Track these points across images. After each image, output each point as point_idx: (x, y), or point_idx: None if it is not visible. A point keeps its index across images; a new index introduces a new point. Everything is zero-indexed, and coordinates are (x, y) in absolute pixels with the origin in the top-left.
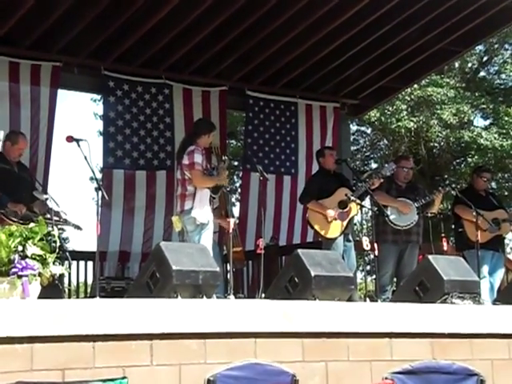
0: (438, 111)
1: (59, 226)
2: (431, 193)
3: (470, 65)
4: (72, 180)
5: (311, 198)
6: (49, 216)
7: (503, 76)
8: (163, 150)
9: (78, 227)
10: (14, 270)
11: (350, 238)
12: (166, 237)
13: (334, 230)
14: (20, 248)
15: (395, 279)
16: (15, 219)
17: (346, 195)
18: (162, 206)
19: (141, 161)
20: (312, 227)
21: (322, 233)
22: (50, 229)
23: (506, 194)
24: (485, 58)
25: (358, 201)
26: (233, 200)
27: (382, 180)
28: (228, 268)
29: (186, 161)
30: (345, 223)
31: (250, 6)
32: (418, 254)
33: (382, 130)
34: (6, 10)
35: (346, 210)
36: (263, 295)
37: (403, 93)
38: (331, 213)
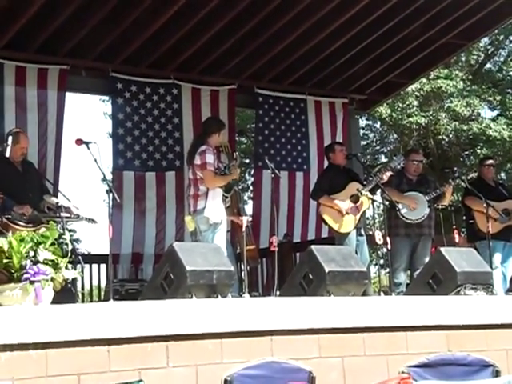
0: (450, 104)
1: (71, 225)
2: (442, 185)
3: (475, 57)
4: (83, 182)
5: (323, 193)
6: (60, 214)
7: (509, 68)
8: (172, 150)
9: (92, 220)
10: (26, 275)
11: (363, 232)
12: (179, 237)
13: (347, 224)
14: (31, 253)
15: (409, 272)
16: (22, 223)
17: (357, 189)
18: (172, 206)
19: (150, 162)
20: (325, 222)
21: (336, 227)
22: (61, 231)
23: None
24: (490, 51)
25: (370, 195)
26: (245, 198)
27: (391, 173)
28: (242, 267)
29: (197, 161)
30: (357, 217)
31: (256, 4)
32: (431, 246)
33: (392, 125)
34: (12, 14)
35: (357, 204)
36: (278, 293)
37: (413, 88)
38: (343, 205)
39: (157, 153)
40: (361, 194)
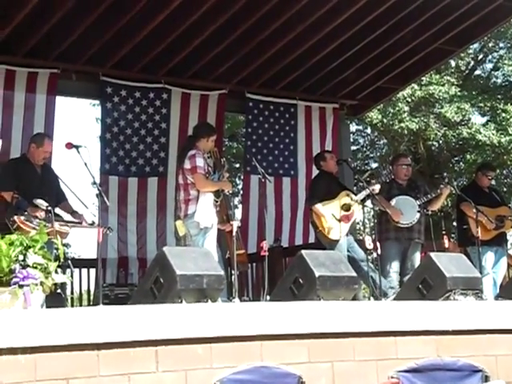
0: (441, 110)
1: (83, 228)
2: (432, 190)
3: (465, 63)
4: (72, 186)
5: (319, 201)
6: (72, 219)
7: (499, 74)
8: (156, 156)
9: (92, 223)
10: (15, 279)
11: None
12: (160, 243)
13: (339, 231)
14: (21, 257)
15: (399, 277)
16: (33, 225)
17: (350, 198)
18: (153, 213)
19: (133, 168)
20: (316, 228)
21: (327, 234)
22: (51, 237)
23: (505, 189)
24: (480, 56)
25: (361, 204)
26: (235, 203)
27: (380, 186)
28: (232, 271)
29: (187, 165)
30: (348, 226)
31: (247, 9)
32: (421, 251)
33: (383, 131)
34: (3, 17)
35: (349, 213)
36: (268, 297)
37: (405, 94)
38: (336, 212)
39: (140, 158)
40: (355, 201)
